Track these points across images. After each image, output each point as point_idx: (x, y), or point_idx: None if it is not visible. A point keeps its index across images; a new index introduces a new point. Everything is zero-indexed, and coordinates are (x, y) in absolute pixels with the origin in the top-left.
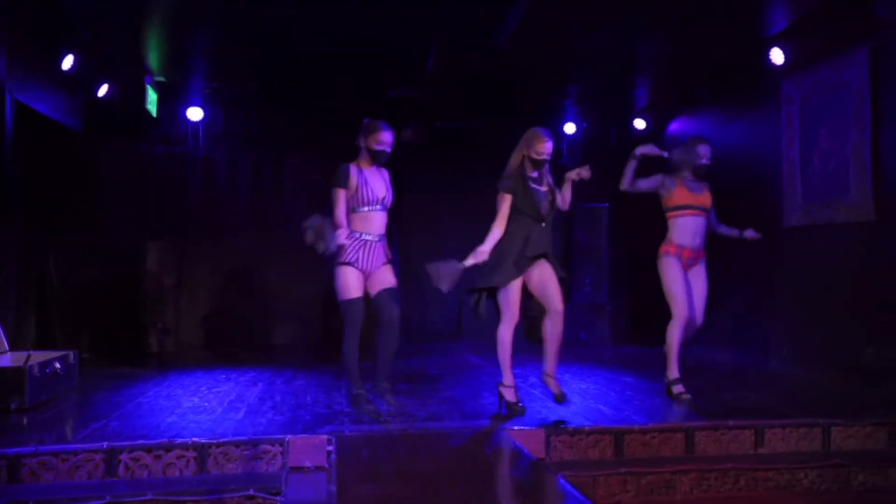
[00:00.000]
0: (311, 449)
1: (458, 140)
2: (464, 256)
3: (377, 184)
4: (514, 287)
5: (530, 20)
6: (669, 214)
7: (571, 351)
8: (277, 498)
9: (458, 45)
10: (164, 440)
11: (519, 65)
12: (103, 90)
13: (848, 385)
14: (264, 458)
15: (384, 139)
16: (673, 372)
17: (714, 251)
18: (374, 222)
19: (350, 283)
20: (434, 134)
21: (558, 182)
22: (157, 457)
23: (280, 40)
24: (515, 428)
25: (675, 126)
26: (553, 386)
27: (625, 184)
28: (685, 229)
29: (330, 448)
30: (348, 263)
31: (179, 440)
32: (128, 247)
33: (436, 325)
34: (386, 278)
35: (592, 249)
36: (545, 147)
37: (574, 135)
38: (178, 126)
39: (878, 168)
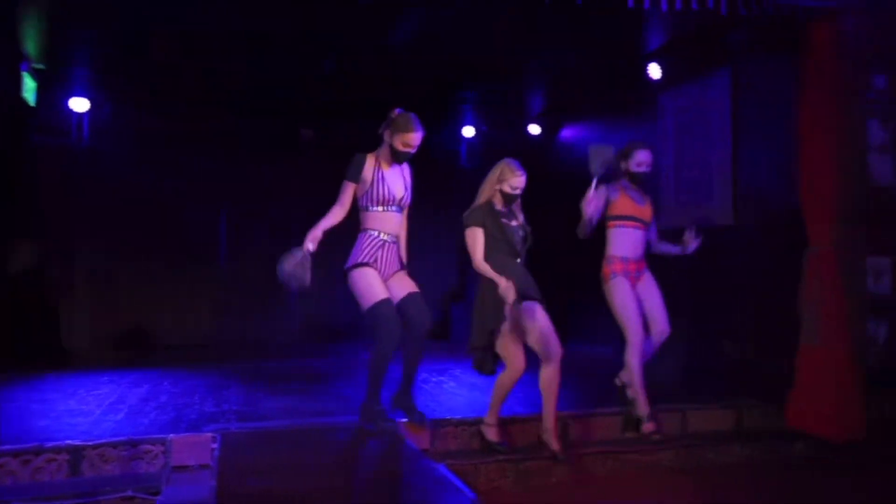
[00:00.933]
0: (195, 447)
1: (356, 142)
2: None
3: (396, 182)
4: (507, 335)
5: (424, 28)
6: (609, 223)
7: (463, 347)
8: (157, 497)
9: (354, 47)
10: (34, 444)
11: (416, 68)
12: None
13: (708, 375)
14: (145, 458)
15: (413, 141)
16: (642, 407)
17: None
18: (390, 222)
19: (374, 284)
20: (333, 135)
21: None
22: (26, 462)
23: (171, 32)
24: (404, 420)
25: (565, 133)
26: (553, 443)
27: (586, 233)
28: (625, 240)
29: (215, 446)
30: (367, 264)
31: (50, 443)
32: (6, 244)
33: (334, 324)
34: (407, 283)
35: None
36: (520, 181)
37: (472, 138)
38: (60, 117)
39: (736, 178)
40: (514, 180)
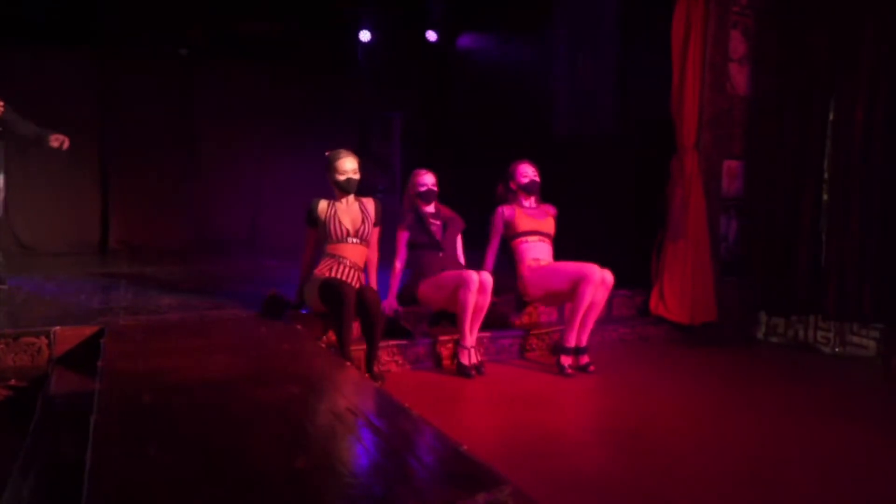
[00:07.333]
0: (82, 339)
1: (252, 45)
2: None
3: (350, 216)
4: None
5: None
6: (512, 242)
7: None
8: (43, 384)
9: None
10: None
11: None
12: None
13: None
14: (28, 350)
15: (347, 165)
16: (567, 339)
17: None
18: (348, 250)
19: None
20: (227, 37)
21: None
22: None
23: None
24: (302, 311)
25: (463, 40)
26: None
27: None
28: (530, 251)
29: (102, 339)
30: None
31: None
32: None
33: (233, 234)
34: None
35: (384, 157)
36: (424, 179)
37: (370, 42)
38: None
39: (623, 87)
40: (420, 179)
